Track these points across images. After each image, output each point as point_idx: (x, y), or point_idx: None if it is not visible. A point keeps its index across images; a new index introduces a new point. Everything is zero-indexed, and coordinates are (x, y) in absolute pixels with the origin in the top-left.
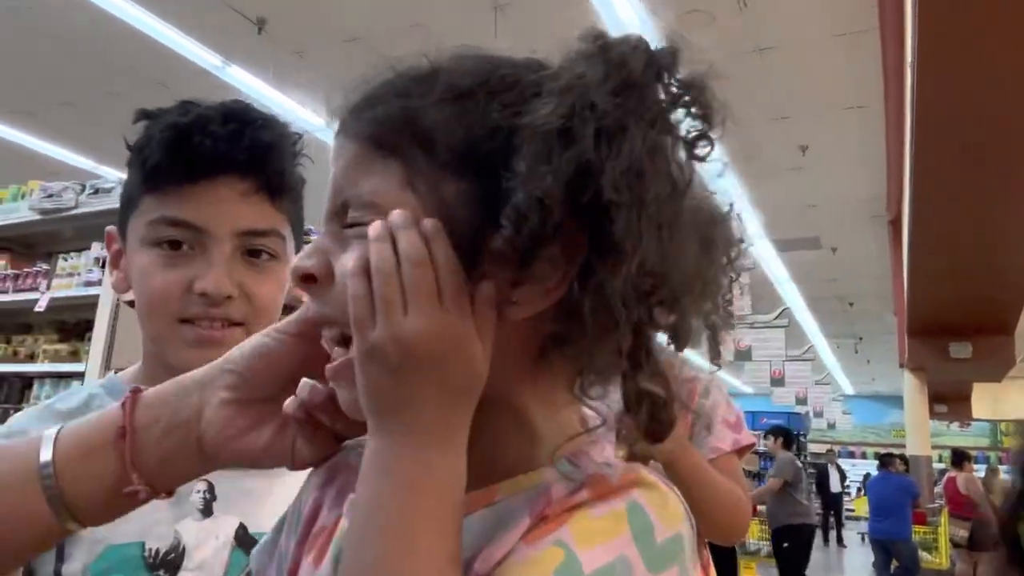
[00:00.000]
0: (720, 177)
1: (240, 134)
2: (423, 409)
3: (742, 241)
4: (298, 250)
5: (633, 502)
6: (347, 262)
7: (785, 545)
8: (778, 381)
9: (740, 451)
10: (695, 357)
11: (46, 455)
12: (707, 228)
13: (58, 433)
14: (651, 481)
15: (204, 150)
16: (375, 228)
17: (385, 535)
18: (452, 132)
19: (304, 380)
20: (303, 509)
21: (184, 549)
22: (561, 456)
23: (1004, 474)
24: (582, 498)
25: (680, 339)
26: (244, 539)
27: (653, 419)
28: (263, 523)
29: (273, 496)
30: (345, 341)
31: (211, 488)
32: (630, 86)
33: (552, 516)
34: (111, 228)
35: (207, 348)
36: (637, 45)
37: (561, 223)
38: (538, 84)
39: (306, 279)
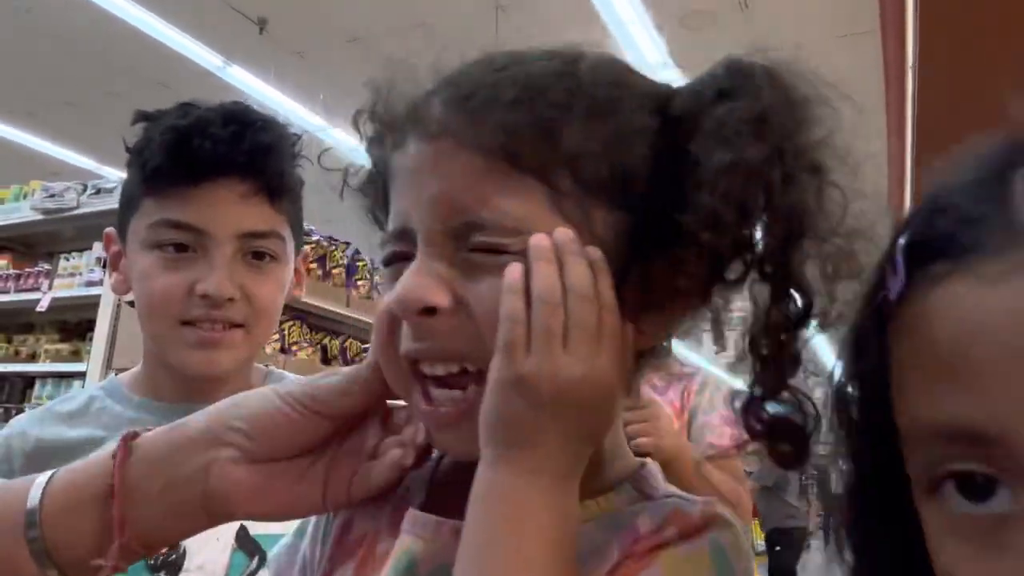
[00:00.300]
0: None
1: (240, 136)
2: (558, 451)
3: None
4: (298, 250)
5: (715, 543)
6: (482, 291)
7: (777, 548)
8: None
9: (740, 447)
10: (691, 354)
11: (33, 502)
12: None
13: (50, 479)
14: (725, 519)
15: (204, 153)
16: (541, 247)
17: (501, 570)
18: (603, 155)
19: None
20: (332, 517)
21: (185, 551)
22: (625, 482)
23: None
24: (670, 535)
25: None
26: (245, 541)
27: (790, 443)
28: (264, 525)
29: None
30: (459, 381)
31: None
32: (808, 125)
33: (640, 554)
34: (110, 230)
35: (208, 350)
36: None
37: (748, 264)
38: (695, 113)
39: (427, 311)
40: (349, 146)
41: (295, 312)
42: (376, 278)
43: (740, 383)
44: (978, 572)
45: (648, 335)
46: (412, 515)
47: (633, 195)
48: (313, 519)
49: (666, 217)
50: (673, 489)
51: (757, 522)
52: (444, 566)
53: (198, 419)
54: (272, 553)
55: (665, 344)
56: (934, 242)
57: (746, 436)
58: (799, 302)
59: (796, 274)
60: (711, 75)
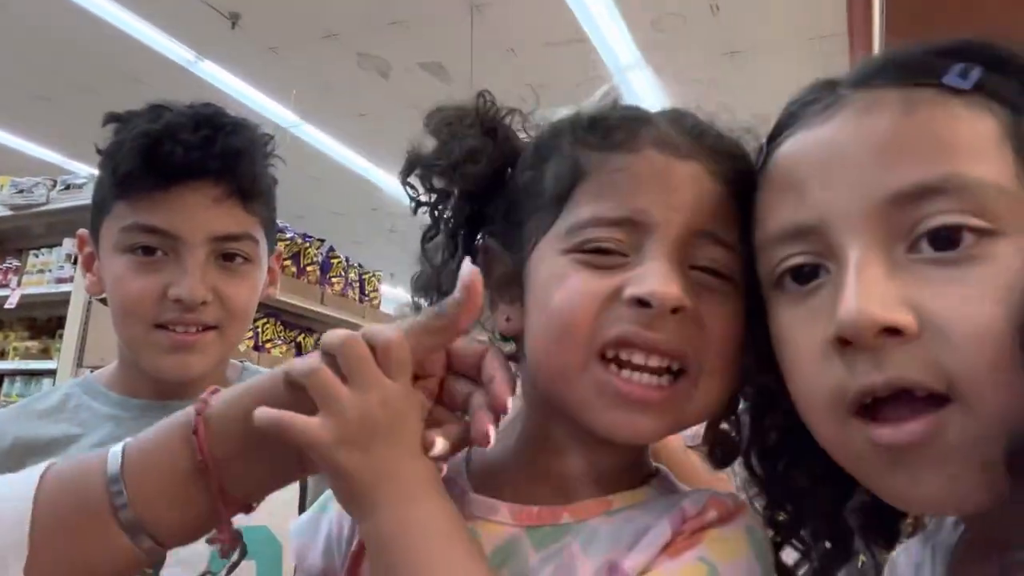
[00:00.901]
0: None
1: (211, 140)
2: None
3: None
4: (271, 250)
5: (749, 526)
6: (710, 309)
7: None
8: None
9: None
10: None
11: (114, 471)
12: None
13: (123, 453)
14: (751, 509)
15: (176, 157)
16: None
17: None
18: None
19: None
20: None
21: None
22: (652, 478)
23: None
24: (711, 517)
25: None
26: None
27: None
28: (245, 517)
29: None
30: (657, 371)
31: None
32: None
33: (688, 532)
34: (83, 232)
35: (181, 353)
36: None
37: None
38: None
39: (676, 311)
40: (323, 144)
41: (269, 310)
42: (352, 275)
43: None
44: (798, 322)
45: None
46: (474, 499)
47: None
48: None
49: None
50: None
51: None
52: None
53: (262, 374)
54: (293, 528)
55: None
56: (784, 123)
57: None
58: None
59: None
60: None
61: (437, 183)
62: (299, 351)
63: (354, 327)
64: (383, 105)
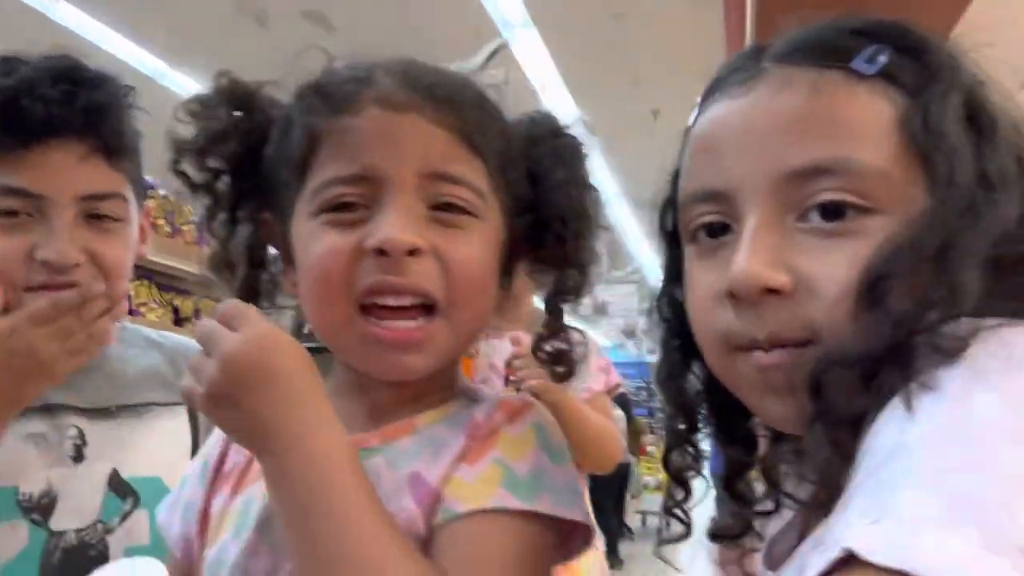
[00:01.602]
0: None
1: (73, 95)
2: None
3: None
4: (140, 207)
5: (536, 423)
6: (454, 243)
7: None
8: (630, 332)
9: (609, 391)
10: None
11: None
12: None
13: None
14: (539, 406)
15: (35, 114)
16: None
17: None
18: (508, 156)
19: None
20: (210, 459)
21: (56, 494)
22: (455, 392)
23: None
24: (500, 421)
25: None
26: (117, 484)
27: (564, 366)
28: (135, 468)
29: (143, 443)
30: (410, 313)
31: (82, 435)
32: (583, 158)
33: (480, 437)
34: None
35: None
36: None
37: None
38: (538, 141)
39: (412, 252)
40: (191, 92)
41: (142, 272)
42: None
43: (604, 339)
44: (703, 272)
45: (507, 291)
46: None
47: (516, 192)
48: (197, 468)
49: (529, 212)
50: (484, 391)
51: (642, 459)
52: None
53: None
54: (160, 506)
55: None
56: (713, 86)
57: (616, 381)
58: (576, 279)
59: (579, 259)
60: (538, 119)
61: (201, 165)
62: (176, 315)
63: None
64: (260, 55)
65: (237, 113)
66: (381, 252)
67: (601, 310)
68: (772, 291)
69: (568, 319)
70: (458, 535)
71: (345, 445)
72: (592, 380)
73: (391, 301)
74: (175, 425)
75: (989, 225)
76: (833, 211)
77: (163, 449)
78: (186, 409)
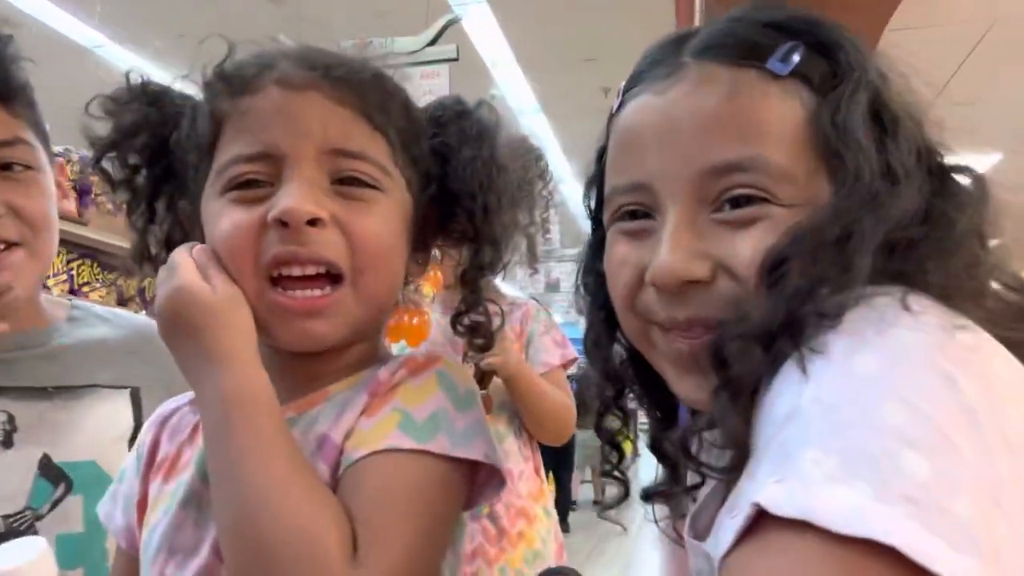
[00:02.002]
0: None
1: None
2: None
3: (550, 179)
4: (51, 162)
5: (439, 372)
6: (354, 216)
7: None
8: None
9: (565, 365)
10: (515, 291)
11: None
12: (524, 178)
13: None
14: (447, 359)
15: None
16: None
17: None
18: (411, 134)
19: None
20: (143, 450)
21: None
22: (377, 363)
23: None
24: (402, 376)
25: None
26: (48, 469)
27: (482, 337)
28: (69, 452)
29: (79, 426)
30: (317, 282)
31: (11, 419)
32: (491, 138)
33: (382, 392)
34: None
35: None
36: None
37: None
38: (447, 123)
39: (311, 223)
40: (129, 64)
41: (84, 250)
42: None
43: (557, 316)
44: (625, 251)
45: (421, 267)
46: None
47: (423, 169)
48: (132, 461)
49: (441, 188)
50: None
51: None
52: None
53: None
54: (101, 501)
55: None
56: (635, 77)
57: (572, 355)
58: (490, 253)
59: (490, 235)
60: (441, 103)
61: (122, 161)
62: (120, 295)
63: None
64: (204, 26)
65: (149, 107)
66: (283, 223)
67: (554, 287)
68: (692, 283)
69: (522, 295)
70: (354, 476)
71: (254, 387)
72: (548, 355)
73: (296, 271)
74: (116, 408)
75: (889, 215)
76: (743, 202)
77: (100, 432)
78: (129, 393)
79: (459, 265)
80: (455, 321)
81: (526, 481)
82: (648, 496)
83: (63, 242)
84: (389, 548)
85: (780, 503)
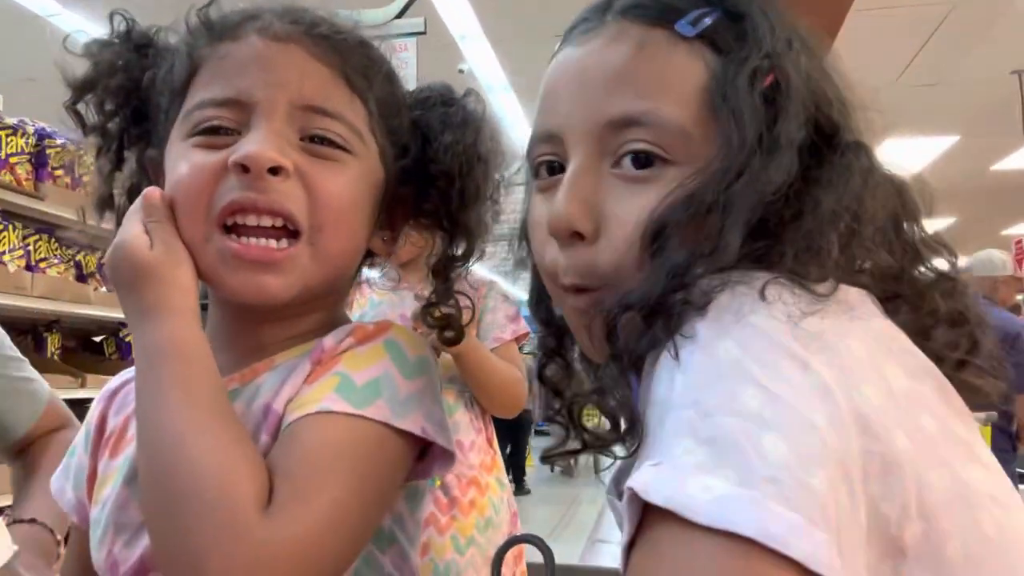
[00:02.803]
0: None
1: None
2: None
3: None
4: None
5: (388, 339)
6: (319, 172)
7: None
8: None
9: (518, 339)
10: (477, 268)
11: None
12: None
13: None
14: (399, 326)
15: None
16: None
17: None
18: (391, 103)
19: None
20: (91, 426)
21: None
22: (327, 332)
23: None
24: (349, 343)
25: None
26: None
27: (452, 330)
28: None
29: None
30: (274, 234)
31: None
32: (475, 128)
33: (326, 360)
34: None
35: None
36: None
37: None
38: (431, 105)
39: (274, 171)
40: (86, 34)
41: (41, 225)
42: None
43: (515, 290)
44: (540, 206)
45: (387, 245)
46: None
47: (401, 143)
48: (81, 437)
49: (416, 166)
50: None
51: None
52: None
53: None
54: (53, 476)
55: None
56: (567, 32)
57: (525, 330)
58: (463, 246)
59: (464, 225)
60: (430, 86)
61: (97, 105)
62: (79, 270)
63: None
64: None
65: (131, 52)
66: (244, 169)
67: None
68: (578, 235)
69: (480, 271)
70: (285, 436)
71: (181, 338)
72: (500, 330)
73: (252, 220)
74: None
75: (760, 187)
76: (643, 160)
77: None
78: None
79: (431, 255)
80: (425, 312)
81: (477, 452)
82: (592, 445)
83: (19, 216)
84: (307, 503)
85: (648, 488)
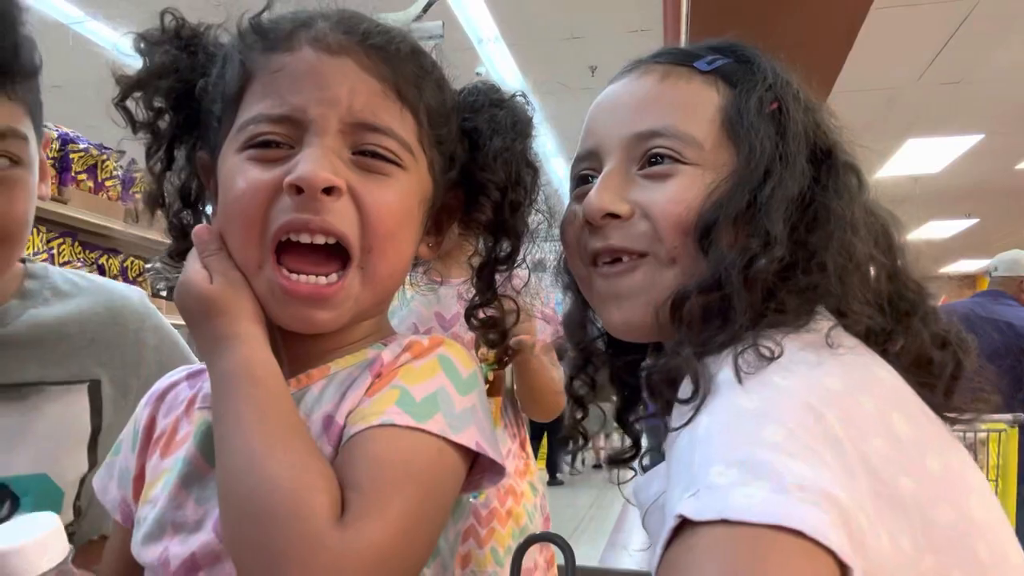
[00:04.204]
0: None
1: None
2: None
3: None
4: (39, 140)
5: (442, 354)
6: (372, 190)
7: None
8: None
9: (555, 341)
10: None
11: None
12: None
13: None
14: (450, 341)
15: None
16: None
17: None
18: (440, 114)
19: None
20: (140, 426)
21: None
22: (376, 340)
23: None
24: (406, 358)
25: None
26: None
27: (496, 333)
28: (13, 466)
29: (25, 433)
30: (327, 264)
31: None
32: (524, 133)
33: (385, 373)
34: None
35: None
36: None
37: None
38: (477, 109)
39: (327, 191)
40: (109, 41)
41: (65, 229)
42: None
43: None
44: (575, 207)
45: (433, 251)
46: (204, 394)
47: (448, 150)
48: (129, 434)
49: (467, 173)
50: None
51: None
52: None
53: None
54: (96, 474)
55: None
56: (614, 77)
57: (561, 333)
58: (508, 248)
59: (512, 230)
60: (477, 87)
61: (146, 102)
62: (101, 273)
63: (161, 246)
64: (186, 1)
65: (180, 51)
66: (298, 190)
67: (539, 266)
68: (614, 216)
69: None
70: (349, 447)
71: (252, 362)
72: (539, 331)
73: (305, 238)
74: (70, 409)
75: (783, 191)
76: (659, 160)
77: (52, 440)
78: (87, 388)
79: (473, 256)
80: (469, 315)
81: (513, 459)
82: (614, 462)
83: (43, 220)
84: (378, 514)
85: (698, 511)
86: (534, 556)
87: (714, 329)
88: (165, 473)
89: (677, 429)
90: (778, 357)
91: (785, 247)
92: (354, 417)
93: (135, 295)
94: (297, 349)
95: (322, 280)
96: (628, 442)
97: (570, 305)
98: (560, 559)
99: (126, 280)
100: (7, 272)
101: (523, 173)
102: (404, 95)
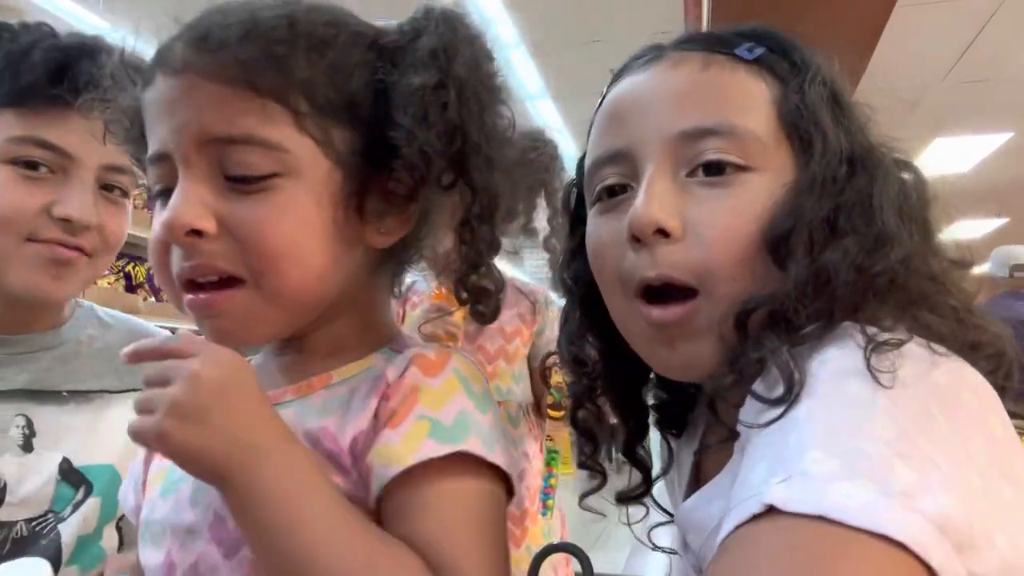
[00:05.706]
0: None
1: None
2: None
3: (554, 167)
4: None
5: (457, 371)
6: (244, 215)
7: None
8: None
9: None
10: (525, 277)
11: None
12: (522, 161)
13: None
14: (458, 354)
15: (81, 79)
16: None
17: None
18: (329, 82)
19: None
20: None
21: (5, 485)
22: (385, 347)
23: None
24: (416, 377)
25: (493, 248)
26: (69, 473)
27: (485, 305)
28: (88, 456)
29: (95, 430)
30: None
31: (30, 424)
32: (477, 63)
33: (393, 395)
34: None
35: (57, 268)
36: (472, 26)
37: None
38: (394, 51)
39: (194, 233)
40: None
41: None
42: None
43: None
44: (606, 224)
45: (391, 235)
46: None
47: (360, 117)
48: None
49: (385, 135)
50: (416, 341)
51: None
52: None
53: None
54: (122, 484)
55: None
56: (617, 74)
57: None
58: (482, 202)
59: (475, 180)
60: (412, 17)
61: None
62: (128, 281)
63: None
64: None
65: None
66: (170, 239)
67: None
68: (664, 233)
69: (533, 282)
70: (401, 497)
71: (307, 457)
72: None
73: (201, 279)
74: (127, 414)
75: (854, 192)
76: (716, 168)
77: (115, 436)
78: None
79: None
80: (458, 285)
81: (534, 460)
82: (623, 499)
83: None
84: (466, 568)
85: (791, 500)
86: (553, 564)
87: (803, 324)
88: (161, 474)
89: (766, 425)
90: (904, 345)
91: (905, 245)
92: (385, 457)
93: (163, 334)
94: (290, 357)
95: (207, 295)
96: (638, 477)
97: (568, 328)
98: (576, 567)
99: (151, 286)
100: (89, 284)
101: (451, 104)
102: (260, 86)
